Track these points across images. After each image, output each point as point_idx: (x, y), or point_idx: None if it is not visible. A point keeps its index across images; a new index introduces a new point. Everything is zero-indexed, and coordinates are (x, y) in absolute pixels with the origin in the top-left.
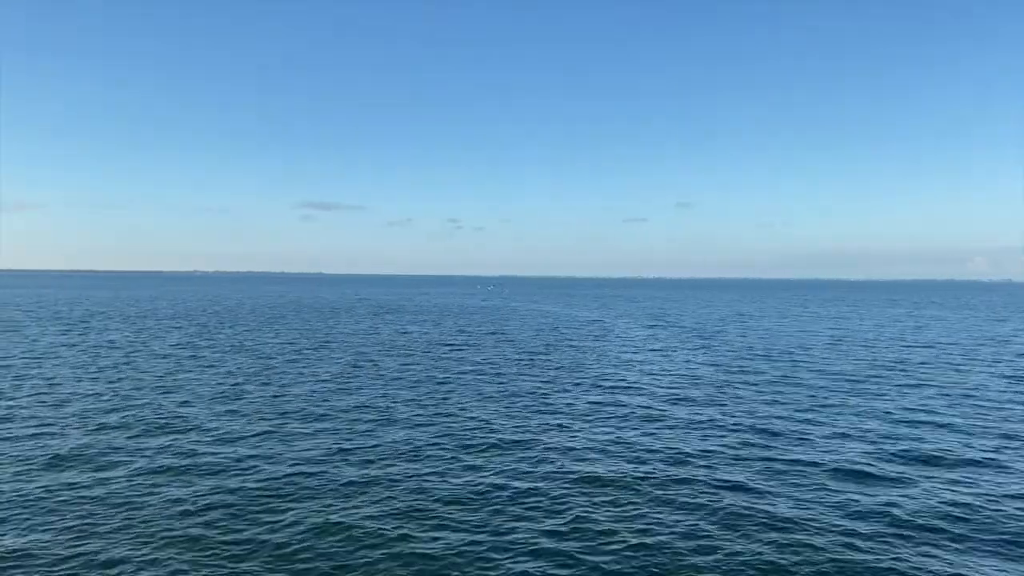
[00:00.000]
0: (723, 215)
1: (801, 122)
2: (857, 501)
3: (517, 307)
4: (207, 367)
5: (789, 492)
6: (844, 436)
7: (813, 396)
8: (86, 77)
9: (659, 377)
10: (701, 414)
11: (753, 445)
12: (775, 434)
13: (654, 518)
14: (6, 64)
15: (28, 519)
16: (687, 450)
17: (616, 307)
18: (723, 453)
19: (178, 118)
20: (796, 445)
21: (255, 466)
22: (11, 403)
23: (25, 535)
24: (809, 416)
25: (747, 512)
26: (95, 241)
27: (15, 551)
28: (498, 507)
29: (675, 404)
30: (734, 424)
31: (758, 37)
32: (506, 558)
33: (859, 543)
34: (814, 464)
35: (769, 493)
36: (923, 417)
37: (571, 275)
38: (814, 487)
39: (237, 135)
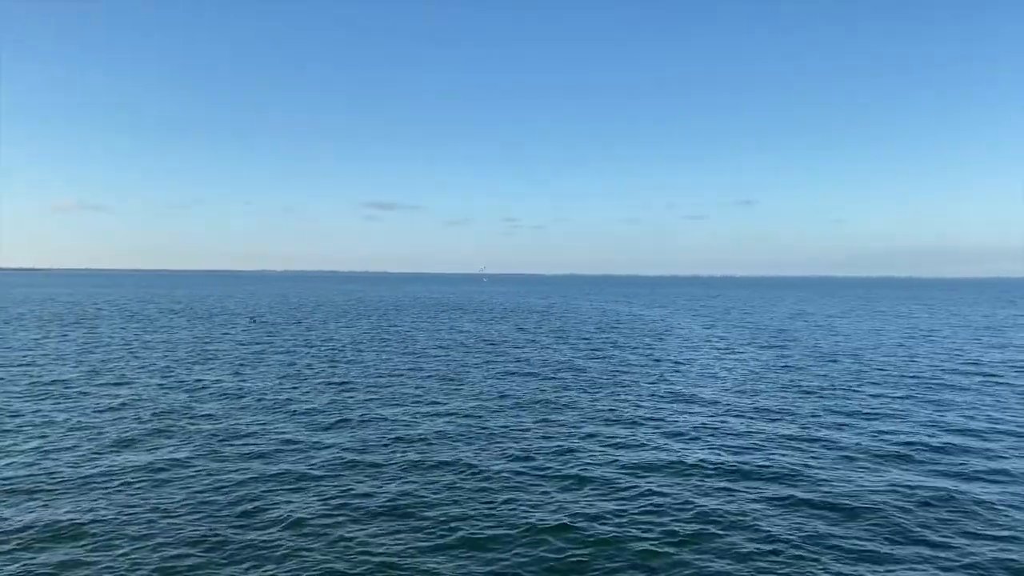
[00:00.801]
0: (787, 212)
1: (867, 118)
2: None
3: (579, 305)
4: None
5: (850, 478)
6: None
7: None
8: (158, 84)
9: (723, 378)
10: (773, 418)
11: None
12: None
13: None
14: (85, 73)
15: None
16: (762, 457)
17: (677, 305)
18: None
19: (245, 122)
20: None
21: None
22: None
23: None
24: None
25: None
26: (163, 241)
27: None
28: (604, 496)
29: (744, 402)
30: (813, 432)
31: (821, 34)
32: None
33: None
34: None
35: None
36: None
37: (631, 273)
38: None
39: (301, 136)
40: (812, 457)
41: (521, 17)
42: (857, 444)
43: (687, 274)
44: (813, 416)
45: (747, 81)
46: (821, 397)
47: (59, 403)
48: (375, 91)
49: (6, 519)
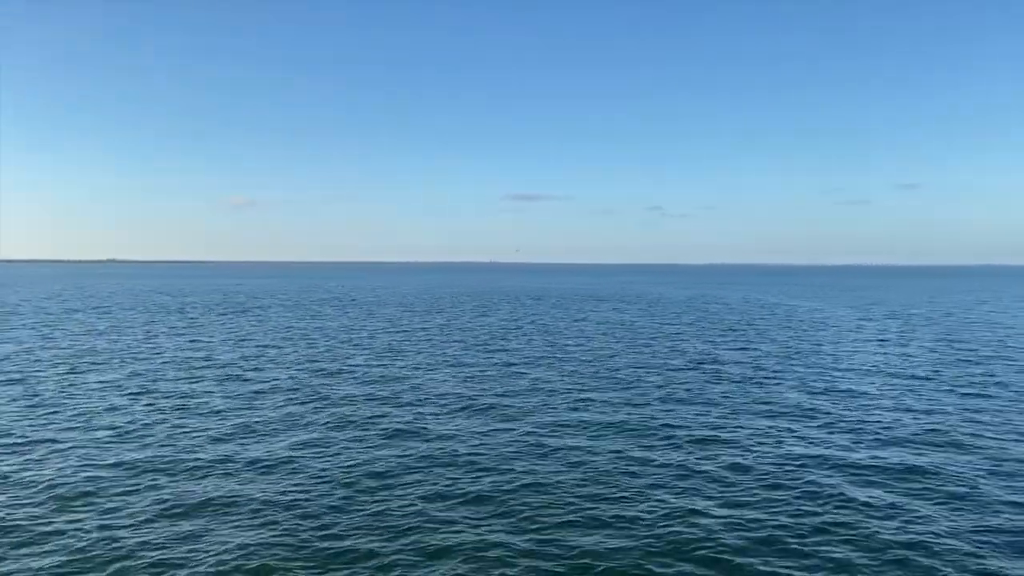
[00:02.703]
0: (956, 196)
1: None
2: None
3: (725, 295)
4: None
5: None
6: None
7: None
8: (305, 80)
9: (889, 376)
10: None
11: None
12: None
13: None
14: (237, 77)
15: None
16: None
17: (833, 295)
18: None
19: (390, 118)
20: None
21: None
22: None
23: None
24: None
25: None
26: (319, 234)
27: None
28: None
29: (914, 402)
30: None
31: (985, 10)
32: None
33: None
34: None
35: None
36: None
37: (783, 262)
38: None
39: (446, 132)
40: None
41: (668, 15)
42: None
43: (843, 263)
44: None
45: (913, 60)
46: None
47: (223, 385)
48: (518, 89)
49: (156, 495)
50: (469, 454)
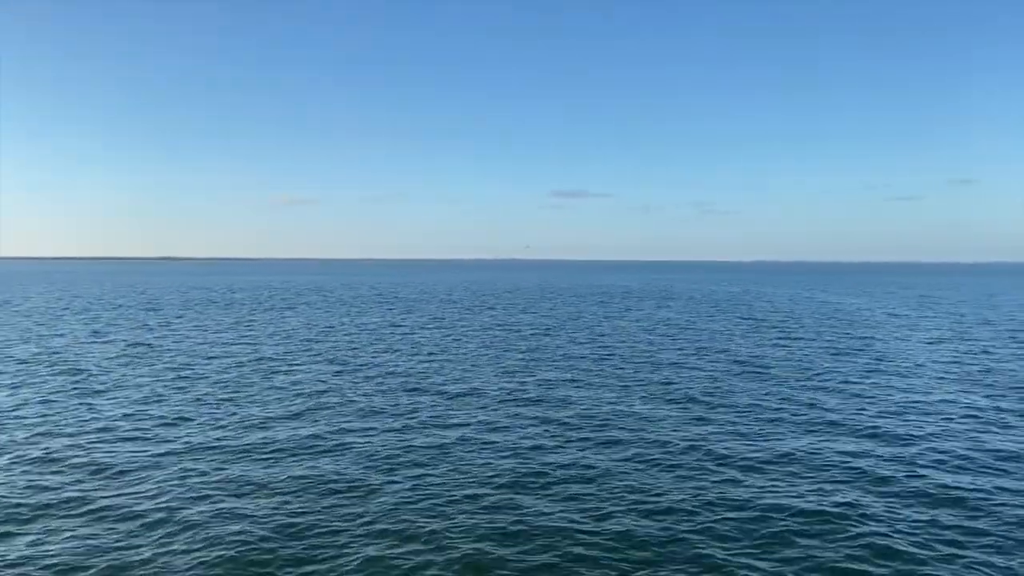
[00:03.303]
0: (1016, 192)
1: None
2: None
3: (768, 292)
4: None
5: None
6: None
7: None
8: (350, 82)
9: (952, 383)
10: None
11: None
12: None
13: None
14: (284, 79)
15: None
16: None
17: (887, 294)
18: None
19: (434, 119)
20: None
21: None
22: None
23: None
24: None
25: None
26: (364, 231)
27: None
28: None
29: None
30: None
31: None
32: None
33: None
34: None
35: None
36: None
37: (831, 260)
38: None
39: (493, 132)
40: None
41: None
42: None
43: (894, 260)
44: None
45: (969, 50)
46: None
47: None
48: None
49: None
50: (509, 443)
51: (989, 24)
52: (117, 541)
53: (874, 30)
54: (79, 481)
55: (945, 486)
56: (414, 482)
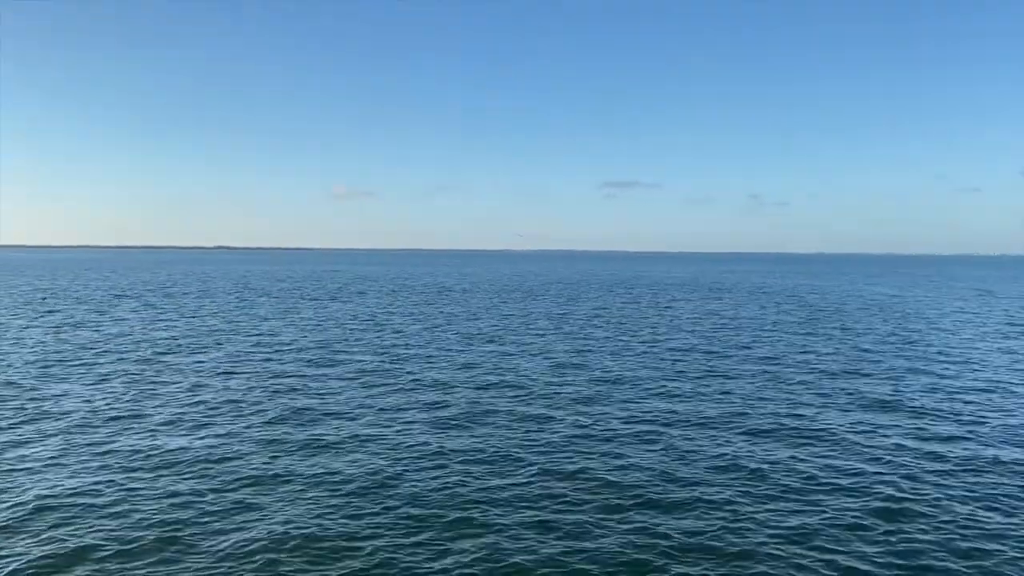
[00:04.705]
0: None
1: None
2: None
3: (827, 286)
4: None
5: None
6: None
7: None
8: (406, 74)
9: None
10: None
11: None
12: None
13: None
14: (340, 71)
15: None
16: None
17: (950, 287)
18: None
19: (492, 110)
20: None
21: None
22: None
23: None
24: None
25: None
26: (421, 222)
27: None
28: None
29: None
30: None
31: None
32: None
33: None
34: None
35: None
36: None
37: (890, 252)
38: None
39: (545, 120)
40: None
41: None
42: None
43: (958, 253)
44: None
45: None
46: None
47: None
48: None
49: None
50: (549, 439)
51: None
52: (153, 527)
53: (938, 14)
54: (119, 468)
55: None
56: (438, 477)
